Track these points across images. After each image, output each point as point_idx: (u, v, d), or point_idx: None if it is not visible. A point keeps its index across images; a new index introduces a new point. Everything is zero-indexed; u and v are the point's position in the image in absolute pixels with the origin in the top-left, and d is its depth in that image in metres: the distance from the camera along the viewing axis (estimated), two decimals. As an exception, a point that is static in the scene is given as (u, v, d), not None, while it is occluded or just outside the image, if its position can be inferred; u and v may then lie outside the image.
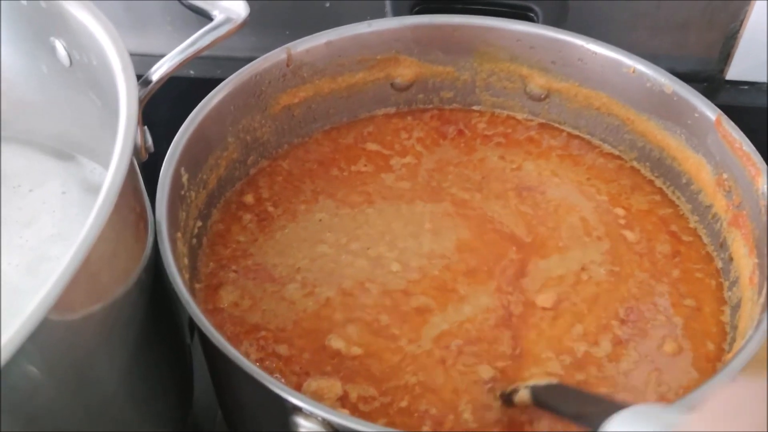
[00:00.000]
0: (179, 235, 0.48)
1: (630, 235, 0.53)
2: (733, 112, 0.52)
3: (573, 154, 0.59)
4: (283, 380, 0.45)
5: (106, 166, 0.52)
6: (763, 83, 0.70)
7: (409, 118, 0.61)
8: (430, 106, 0.62)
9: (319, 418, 0.38)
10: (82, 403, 0.40)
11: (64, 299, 0.33)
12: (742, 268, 0.49)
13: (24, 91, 0.53)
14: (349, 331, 0.47)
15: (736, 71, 0.69)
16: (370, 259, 0.51)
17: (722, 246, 0.52)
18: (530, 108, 0.61)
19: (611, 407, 0.33)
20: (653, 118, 0.56)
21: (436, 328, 0.48)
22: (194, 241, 0.51)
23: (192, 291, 0.46)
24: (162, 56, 0.47)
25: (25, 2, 0.48)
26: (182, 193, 0.49)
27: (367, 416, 0.44)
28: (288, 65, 0.56)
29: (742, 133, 0.50)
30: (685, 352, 0.47)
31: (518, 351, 0.47)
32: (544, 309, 0.49)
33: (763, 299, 0.45)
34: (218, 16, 0.48)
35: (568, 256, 0.52)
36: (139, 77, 0.43)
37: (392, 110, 0.62)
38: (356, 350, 0.47)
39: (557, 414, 0.41)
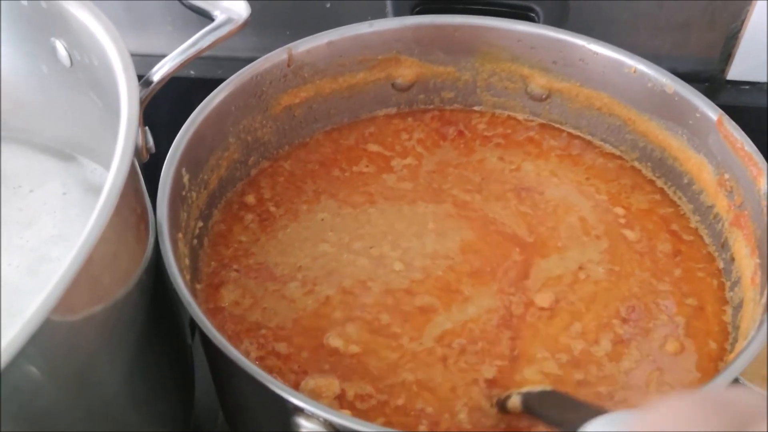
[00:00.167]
0: (180, 235, 0.47)
1: (630, 234, 0.53)
2: (734, 112, 0.52)
3: (572, 154, 0.59)
4: (281, 379, 0.45)
5: (106, 166, 0.52)
6: (763, 83, 0.70)
7: (410, 119, 0.61)
8: (431, 106, 0.62)
9: (321, 419, 0.37)
10: (83, 405, 0.40)
11: (66, 300, 0.33)
12: (744, 268, 0.49)
13: (24, 91, 0.53)
14: (348, 330, 0.48)
15: (737, 71, 0.69)
16: (372, 259, 0.51)
17: (724, 246, 0.52)
18: (531, 108, 0.61)
19: (590, 413, 0.33)
20: (654, 118, 0.56)
21: (439, 327, 0.48)
22: (195, 241, 0.51)
23: (193, 291, 0.46)
24: (162, 56, 0.47)
25: (25, 2, 0.48)
26: (183, 193, 0.49)
27: (364, 414, 0.44)
28: (289, 65, 0.56)
29: (743, 134, 0.50)
30: (687, 352, 0.47)
31: (516, 352, 0.47)
32: (542, 309, 0.49)
33: (765, 299, 0.45)
34: (219, 16, 0.48)
35: (566, 255, 0.52)
36: (139, 77, 0.43)
37: (393, 111, 0.62)
38: (354, 348, 0.47)
39: (544, 420, 0.41)
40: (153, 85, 0.46)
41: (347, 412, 0.43)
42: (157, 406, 0.48)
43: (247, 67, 0.54)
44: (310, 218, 0.54)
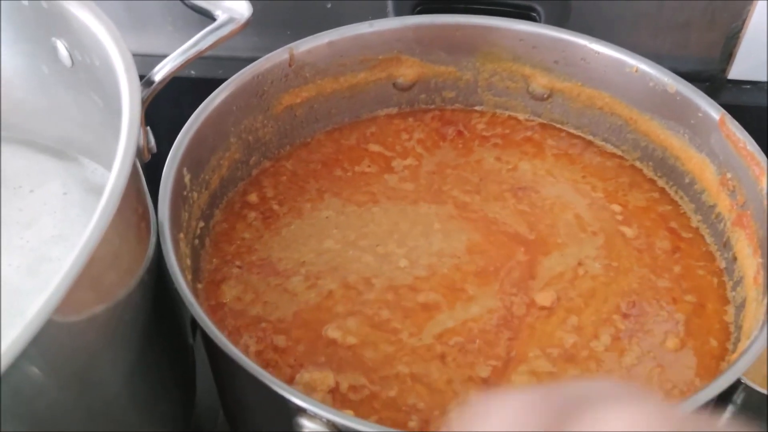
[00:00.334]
0: (182, 235, 0.47)
1: (628, 231, 0.54)
2: (735, 111, 0.52)
3: (569, 153, 0.59)
4: (276, 373, 0.45)
5: (107, 166, 0.53)
6: (764, 83, 0.70)
7: (411, 119, 0.61)
8: (432, 106, 0.62)
9: (324, 419, 0.37)
10: (84, 405, 0.40)
11: (67, 301, 0.33)
12: (747, 267, 0.49)
13: (25, 91, 0.53)
14: (348, 323, 0.48)
15: (738, 71, 0.69)
16: (378, 256, 0.51)
17: (726, 246, 0.52)
18: (533, 108, 0.61)
19: None
20: (656, 117, 0.56)
21: (441, 325, 0.48)
22: (196, 241, 0.51)
23: (194, 291, 0.46)
24: (163, 56, 0.47)
25: (26, 2, 0.48)
26: (185, 193, 0.49)
27: (356, 405, 0.44)
28: (290, 65, 0.56)
29: (746, 133, 0.50)
30: (688, 349, 0.47)
31: (513, 353, 0.47)
32: (542, 308, 0.49)
33: (767, 299, 0.45)
34: (221, 16, 0.48)
35: (566, 252, 0.52)
36: (140, 78, 0.43)
37: (394, 111, 0.62)
38: (352, 339, 0.47)
39: None
40: (154, 85, 0.45)
41: (350, 412, 0.43)
42: (158, 406, 0.48)
43: (248, 67, 0.54)
44: (314, 216, 0.54)
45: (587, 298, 0.49)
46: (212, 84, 0.53)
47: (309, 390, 0.44)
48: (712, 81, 0.70)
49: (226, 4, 0.48)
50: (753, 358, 0.40)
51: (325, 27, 0.57)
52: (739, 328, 0.48)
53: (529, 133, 0.61)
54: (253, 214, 0.54)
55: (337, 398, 0.44)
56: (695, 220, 0.55)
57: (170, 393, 0.50)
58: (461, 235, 0.53)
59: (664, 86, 0.54)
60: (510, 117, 0.62)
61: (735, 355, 0.45)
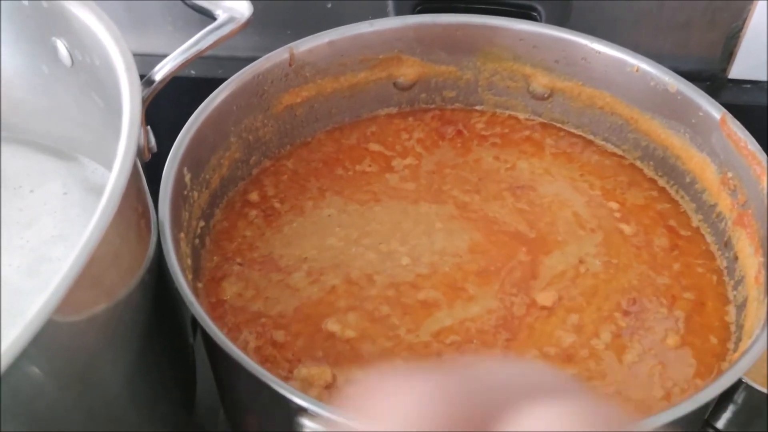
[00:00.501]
0: (182, 235, 0.47)
1: (626, 228, 0.54)
2: (735, 110, 0.52)
3: (567, 152, 0.59)
4: (274, 368, 0.45)
5: (107, 166, 0.52)
6: (765, 82, 0.70)
7: (411, 118, 0.61)
8: (433, 105, 0.62)
9: (325, 419, 0.37)
10: (84, 405, 0.40)
11: (68, 301, 0.33)
12: (748, 267, 0.49)
13: (25, 91, 0.53)
14: (349, 318, 0.48)
15: (738, 70, 0.69)
16: (380, 253, 0.51)
17: (727, 245, 0.52)
18: (533, 107, 0.61)
19: None
20: (657, 117, 0.56)
21: (438, 322, 0.48)
22: (197, 241, 0.50)
23: (195, 290, 0.46)
24: (163, 56, 0.46)
25: (26, 2, 0.48)
26: (185, 193, 0.49)
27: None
28: (290, 65, 0.56)
29: (747, 132, 0.50)
30: (688, 346, 0.47)
31: (512, 354, 0.47)
32: (543, 308, 0.49)
33: (769, 299, 0.45)
34: (222, 15, 0.47)
35: (566, 250, 0.52)
36: (140, 77, 0.43)
37: (394, 110, 0.62)
38: (350, 333, 0.47)
39: None
40: (155, 84, 0.45)
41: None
42: (158, 406, 0.48)
43: (248, 66, 0.54)
44: (316, 214, 0.54)
45: (589, 297, 0.49)
46: (212, 84, 0.52)
47: (306, 385, 0.44)
48: (712, 80, 0.70)
49: (227, 3, 0.48)
50: (754, 358, 0.40)
51: (326, 26, 0.57)
52: (740, 327, 0.48)
53: (528, 133, 0.61)
54: (254, 212, 0.54)
55: (333, 393, 0.44)
56: (696, 219, 0.55)
57: (170, 393, 0.50)
58: (463, 235, 0.53)
59: (665, 86, 0.54)
60: (510, 116, 0.62)
61: (736, 355, 0.45)
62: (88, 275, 0.34)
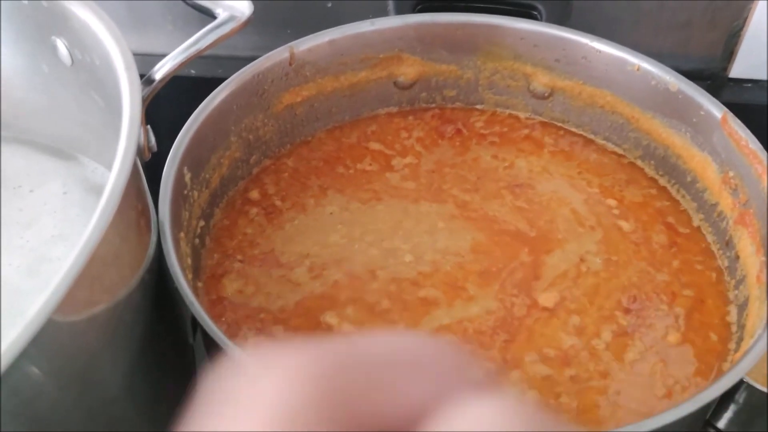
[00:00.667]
0: (182, 234, 0.47)
1: (625, 225, 0.54)
2: (736, 109, 0.52)
3: (565, 150, 0.59)
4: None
5: (107, 166, 0.52)
6: (765, 81, 0.70)
7: (411, 117, 0.61)
8: (433, 105, 0.62)
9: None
10: (84, 405, 0.40)
11: (68, 301, 0.33)
12: (749, 266, 0.49)
13: (25, 90, 0.53)
14: (348, 311, 0.48)
15: (739, 69, 0.69)
16: (383, 250, 0.51)
17: (728, 244, 0.52)
18: (534, 106, 0.61)
19: None
20: (658, 116, 0.56)
21: (436, 320, 0.48)
22: (197, 240, 0.50)
23: (195, 290, 0.46)
24: (162, 56, 0.46)
25: (26, 1, 0.48)
26: (185, 192, 0.49)
27: None
28: (291, 64, 0.56)
29: (748, 131, 0.50)
30: (689, 344, 0.47)
31: (509, 356, 0.46)
32: (544, 309, 0.49)
33: (770, 298, 0.45)
34: (222, 14, 0.47)
35: (567, 248, 0.52)
36: (140, 76, 0.43)
37: (395, 109, 0.61)
38: (347, 326, 0.47)
39: None
40: (155, 83, 0.45)
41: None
42: (158, 406, 0.48)
43: (248, 65, 0.54)
44: (318, 211, 0.54)
45: (591, 296, 0.49)
46: (212, 83, 0.52)
47: None
48: (713, 79, 0.70)
49: (227, 2, 0.48)
50: (756, 358, 0.40)
51: (326, 26, 0.57)
52: (741, 327, 0.48)
53: (527, 132, 0.60)
54: (254, 210, 0.54)
55: None
56: (697, 218, 0.55)
57: (170, 393, 0.50)
58: (466, 234, 0.53)
59: (666, 84, 0.54)
60: (510, 115, 0.62)
61: (738, 354, 0.45)
62: (88, 275, 0.34)
